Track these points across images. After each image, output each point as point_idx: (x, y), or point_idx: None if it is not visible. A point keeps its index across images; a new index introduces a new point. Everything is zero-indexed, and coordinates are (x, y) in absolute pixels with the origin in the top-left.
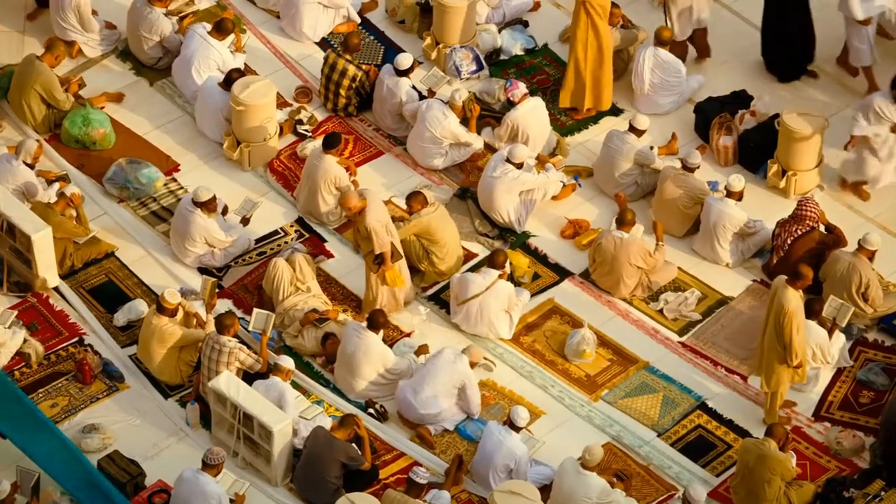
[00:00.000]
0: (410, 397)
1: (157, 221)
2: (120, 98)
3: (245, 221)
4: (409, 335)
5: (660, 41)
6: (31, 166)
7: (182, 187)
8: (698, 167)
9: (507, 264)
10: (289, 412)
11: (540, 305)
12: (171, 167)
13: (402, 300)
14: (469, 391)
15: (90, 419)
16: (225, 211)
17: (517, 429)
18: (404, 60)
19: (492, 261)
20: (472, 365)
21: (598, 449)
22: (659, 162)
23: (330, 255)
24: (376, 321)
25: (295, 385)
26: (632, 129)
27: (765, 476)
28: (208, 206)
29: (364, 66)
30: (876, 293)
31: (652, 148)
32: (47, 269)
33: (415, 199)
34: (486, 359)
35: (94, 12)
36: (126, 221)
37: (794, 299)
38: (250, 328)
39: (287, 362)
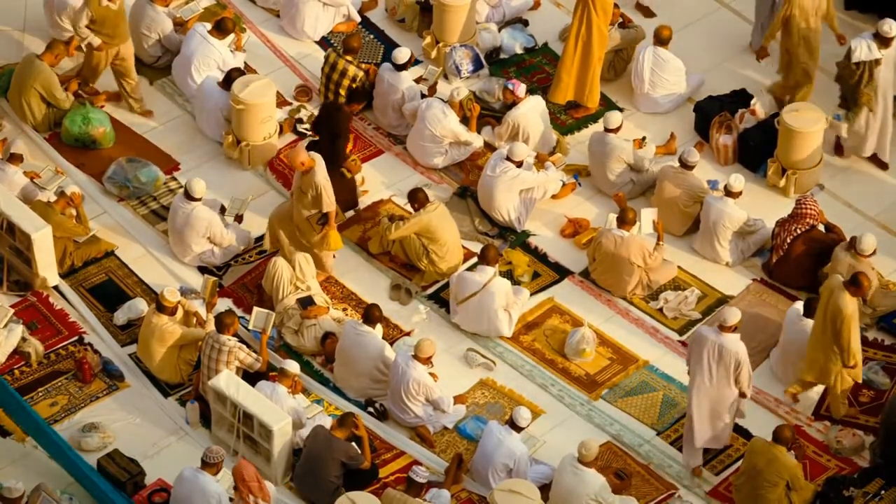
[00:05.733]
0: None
1: (156, 220)
2: (120, 97)
3: (239, 219)
4: (408, 334)
5: (659, 40)
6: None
7: (182, 186)
8: (696, 164)
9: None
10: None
11: (540, 304)
12: (170, 166)
13: (329, 267)
14: (432, 396)
15: (90, 418)
16: (223, 210)
17: (518, 429)
18: (401, 55)
19: (484, 257)
20: (427, 360)
21: (593, 443)
22: (647, 162)
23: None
24: (372, 315)
25: None
26: (606, 130)
27: (772, 480)
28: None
29: (364, 66)
30: (876, 293)
31: (644, 140)
32: (47, 267)
33: (416, 197)
34: (485, 357)
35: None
36: (126, 220)
37: (851, 304)
38: (250, 327)
39: (292, 367)
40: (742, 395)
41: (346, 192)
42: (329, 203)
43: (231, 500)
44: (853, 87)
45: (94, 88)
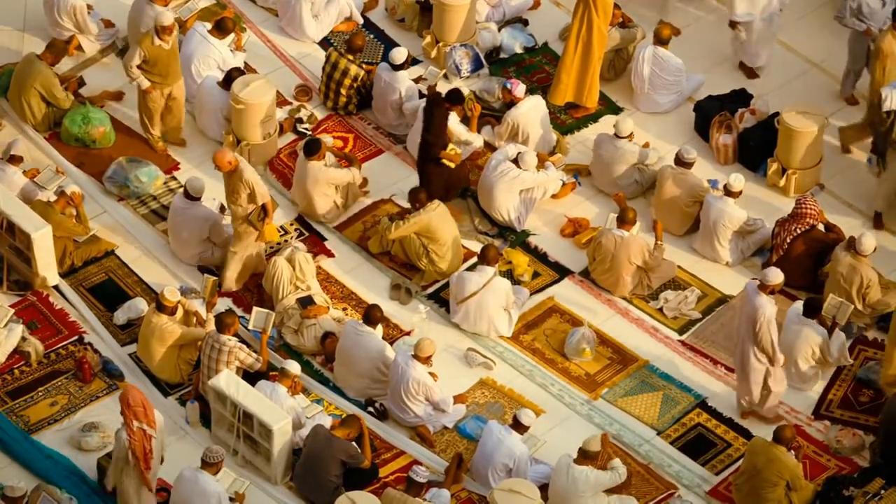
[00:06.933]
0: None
1: (156, 220)
2: (120, 96)
3: None
4: (408, 334)
5: (659, 40)
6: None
7: (182, 186)
8: (694, 161)
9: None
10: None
11: (540, 304)
12: (170, 166)
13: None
14: (431, 395)
15: (90, 418)
16: (222, 209)
17: (522, 428)
18: (398, 55)
19: (484, 257)
20: (427, 360)
21: (595, 440)
22: (649, 155)
23: (330, 254)
24: (373, 316)
25: None
26: (618, 136)
27: (772, 479)
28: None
29: (365, 66)
30: (875, 293)
31: (647, 146)
32: (47, 267)
33: (416, 197)
34: (485, 357)
35: (90, 7)
36: (126, 220)
37: None
38: (250, 327)
39: (293, 367)
40: (770, 361)
41: (452, 181)
42: (264, 194)
43: (231, 499)
44: (884, 134)
45: (167, 150)
